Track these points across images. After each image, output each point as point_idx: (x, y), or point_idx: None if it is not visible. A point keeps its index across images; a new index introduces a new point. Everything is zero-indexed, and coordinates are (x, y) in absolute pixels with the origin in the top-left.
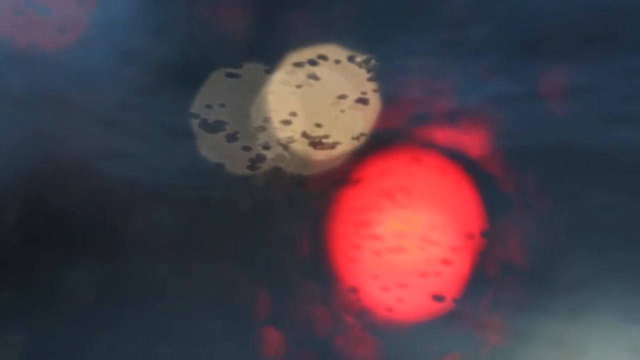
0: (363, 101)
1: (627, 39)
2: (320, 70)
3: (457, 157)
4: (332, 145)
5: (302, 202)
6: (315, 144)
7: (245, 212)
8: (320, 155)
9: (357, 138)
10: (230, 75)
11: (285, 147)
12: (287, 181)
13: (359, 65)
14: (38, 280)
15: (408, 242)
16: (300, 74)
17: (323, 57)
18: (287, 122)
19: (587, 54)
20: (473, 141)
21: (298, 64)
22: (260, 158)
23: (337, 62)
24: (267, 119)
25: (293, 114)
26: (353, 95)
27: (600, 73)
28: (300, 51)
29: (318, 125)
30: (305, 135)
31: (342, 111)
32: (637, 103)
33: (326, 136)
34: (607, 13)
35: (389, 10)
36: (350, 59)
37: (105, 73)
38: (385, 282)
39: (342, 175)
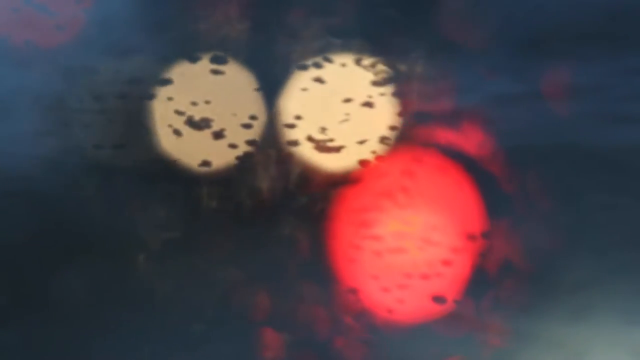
0: (368, 104)
1: (628, 39)
2: (325, 72)
3: (457, 157)
4: (337, 149)
5: (303, 202)
6: (320, 147)
7: (244, 212)
8: (324, 157)
9: (362, 141)
10: (216, 72)
11: (289, 149)
12: (288, 181)
13: (365, 68)
14: (32, 280)
15: (409, 243)
16: (306, 77)
17: (328, 60)
18: (291, 125)
19: (588, 53)
20: (473, 141)
21: (302, 66)
22: (248, 155)
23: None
24: (254, 117)
25: (297, 117)
26: (360, 99)
27: (602, 72)
28: (303, 52)
29: (323, 129)
30: (310, 139)
31: (348, 114)
32: (638, 103)
33: (331, 139)
34: (608, 12)
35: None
36: (357, 61)
37: (102, 70)
38: (385, 283)
39: (342, 176)
